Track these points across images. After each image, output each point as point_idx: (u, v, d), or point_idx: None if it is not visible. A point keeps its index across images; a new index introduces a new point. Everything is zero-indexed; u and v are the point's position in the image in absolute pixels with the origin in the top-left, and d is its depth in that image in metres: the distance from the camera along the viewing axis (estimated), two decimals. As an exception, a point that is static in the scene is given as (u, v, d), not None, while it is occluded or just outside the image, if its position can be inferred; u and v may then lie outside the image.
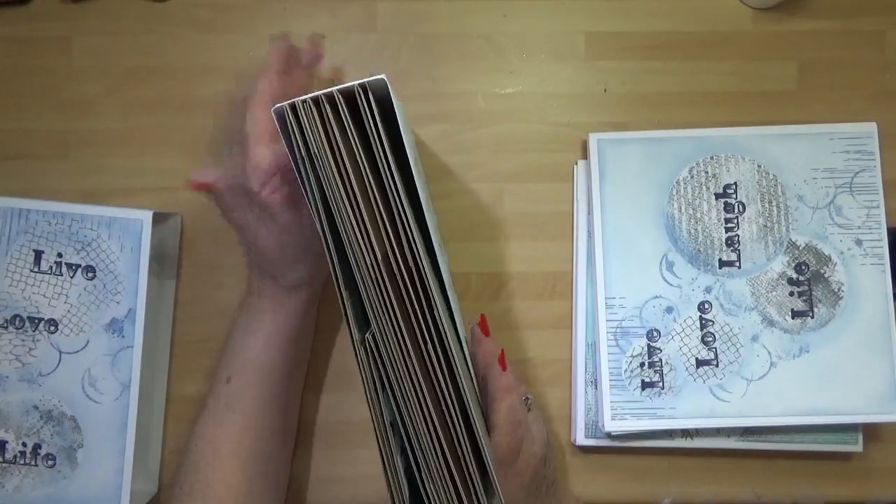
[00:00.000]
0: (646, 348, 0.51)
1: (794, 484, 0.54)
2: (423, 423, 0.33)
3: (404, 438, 0.34)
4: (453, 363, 0.34)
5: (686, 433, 0.52)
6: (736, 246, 0.51)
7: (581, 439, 0.52)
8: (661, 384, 0.50)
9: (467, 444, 0.34)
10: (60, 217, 0.49)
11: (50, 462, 0.49)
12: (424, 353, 0.34)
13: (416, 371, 0.33)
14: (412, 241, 0.33)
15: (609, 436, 0.52)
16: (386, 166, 0.33)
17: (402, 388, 0.33)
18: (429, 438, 0.33)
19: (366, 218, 0.32)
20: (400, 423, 0.35)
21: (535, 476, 0.41)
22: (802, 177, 0.51)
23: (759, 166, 0.52)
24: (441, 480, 0.33)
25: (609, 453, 0.54)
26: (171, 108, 0.55)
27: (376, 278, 0.33)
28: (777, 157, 0.52)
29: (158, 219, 0.50)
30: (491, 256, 0.55)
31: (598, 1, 0.56)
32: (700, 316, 0.51)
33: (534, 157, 0.55)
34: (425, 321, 0.33)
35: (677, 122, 0.55)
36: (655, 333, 0.51)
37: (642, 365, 0.51)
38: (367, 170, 0.33)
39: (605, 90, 0.56)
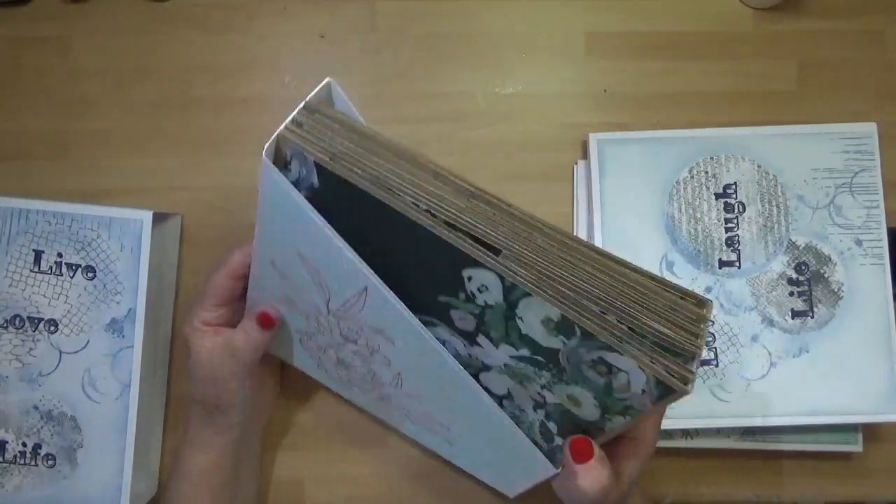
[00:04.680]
0: (646, 348, 0.51)
1: (794, 484, 0.54)
2: None
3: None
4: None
5: (686, 433, 0.52)
6: (736, 246, 0.51)
7: (581, 439, 0.52)
8: (661, 384, 0.50)
9: None
10: (60, 217, 0.49)
11: (50, 462, 0.49)
12: None
13: None
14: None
15: (609, 436, 0.52)
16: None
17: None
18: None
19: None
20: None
21: None
22: (802, 177, 0.51)
23: (759, 166, 0.52)
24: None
25: (609, 453, 0.54)
26: (171, 108, 0.55)
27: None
28: (777, 157, 0.51)
29: (158, 219, 0.50)
30: (491, 256, 0.55)
31: (599, 1, 0.56)
32: (700, 316, 0.51)
33: (534, 157, 0.55)
34: None
35: (677, 122, 0.55)
36: (655, 333, 0.51)
37: (642, 365, 0.50)
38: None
39: (605, 90, 0.56)
